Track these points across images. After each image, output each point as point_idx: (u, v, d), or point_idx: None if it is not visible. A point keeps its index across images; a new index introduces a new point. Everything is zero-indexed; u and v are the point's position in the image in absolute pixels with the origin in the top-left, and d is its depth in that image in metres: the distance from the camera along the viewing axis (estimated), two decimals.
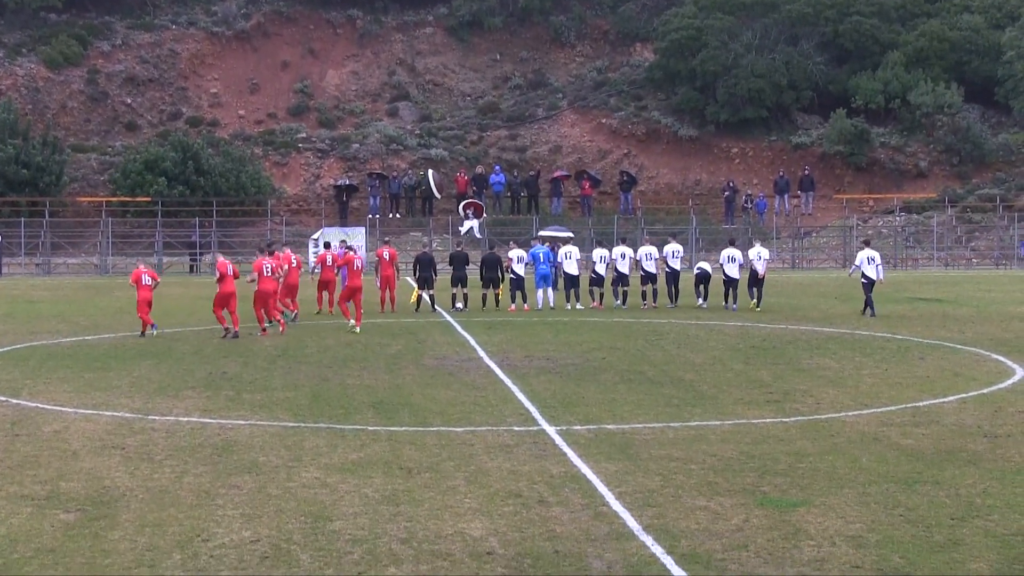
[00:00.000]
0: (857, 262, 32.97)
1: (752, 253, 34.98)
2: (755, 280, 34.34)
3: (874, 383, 19.65)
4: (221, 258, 28.25)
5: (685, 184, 69.56)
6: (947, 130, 68.23)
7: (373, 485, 12.51)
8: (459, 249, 36.61)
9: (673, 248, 35.94)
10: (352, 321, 28.44)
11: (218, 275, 27.46)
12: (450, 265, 35.17)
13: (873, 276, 32.27)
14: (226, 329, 26.95)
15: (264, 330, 27.51)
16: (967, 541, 10.47)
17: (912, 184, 68.42)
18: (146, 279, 27.59)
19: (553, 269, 35.13)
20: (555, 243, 37.23)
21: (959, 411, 16.97)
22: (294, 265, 31.48)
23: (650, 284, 35.37)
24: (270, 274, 28.05)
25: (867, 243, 34.84)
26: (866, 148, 68.38)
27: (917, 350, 24.14)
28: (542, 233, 47.01)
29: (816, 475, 12.94)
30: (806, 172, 65.48)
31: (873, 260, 32.50)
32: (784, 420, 16.25)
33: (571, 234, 44.62)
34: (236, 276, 27.70)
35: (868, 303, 32.03)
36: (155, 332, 27.22)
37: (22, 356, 23.67)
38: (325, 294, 33.12)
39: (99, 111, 72.24)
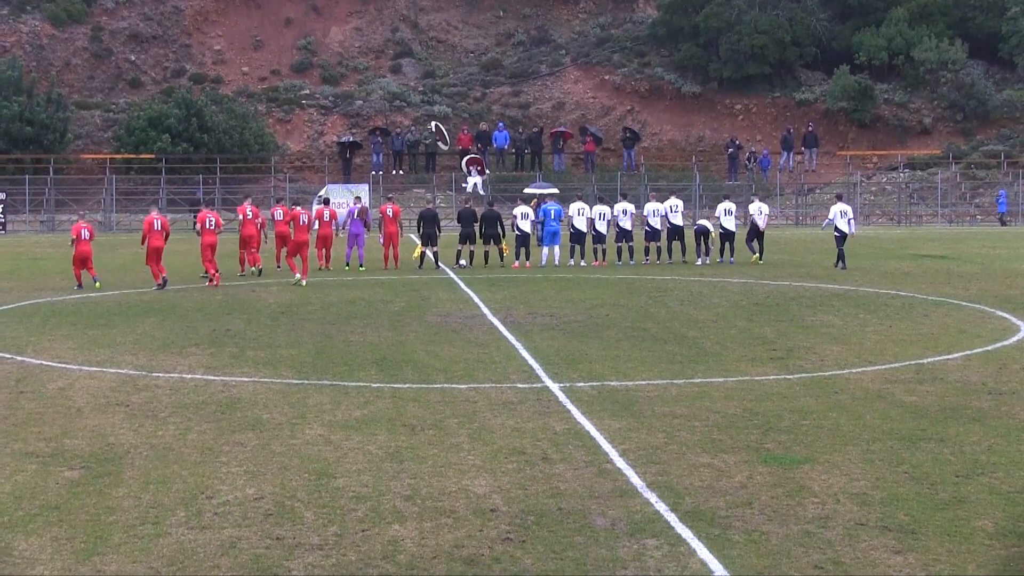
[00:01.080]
0: (830, 216, 33.47)
1: (752, 208, 35.45)
2: (755, 234, 34.76)
3: (878, 340, 19.61)
4: (152, 214, 29.16)
5: (688, 141, 69.42)
6: (951, 86, 67.97)
7: (377, 442, 12.51)
8: (467, 206, 36.50)
9: (672, 203, 35.84)
10: (298, 275, 29.07)
11: (143, 232, 28.87)
12: (458, 222, 35.12)
13: (845, 230, 32.94)
14: (164, 279, 28.23)
15: (211, 280, 29.11)
16: (972, 498, 10.46)
17: (916, 140, 68.24)
18: (84, 233, 28.79)
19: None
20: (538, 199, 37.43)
21: (964, 368, 16.94)
22: (249, 217, 31.89)
23: (653, 242, 35.41)
24: (212, 227, 29.68)
25: (839, 197, 35.23)
26: (870, 104, 68.17)
27: (921, 307, 24.10)
28: (527, 191, 46.98)
29: (820, 432, 12.93)
30: (810, 128, 65.34)
31: (845, 214, 33.20)
32: (788, 377, 16.23)
33: (555, 189, 44.75)
34: (167, 232, 28.95)
35: (840, 256, 32.59)
36: (96, 284, 28.54)
37: (26, 313, 23.68)
38: (325, 250, 33.56)
39: (103, 68, 72.03)
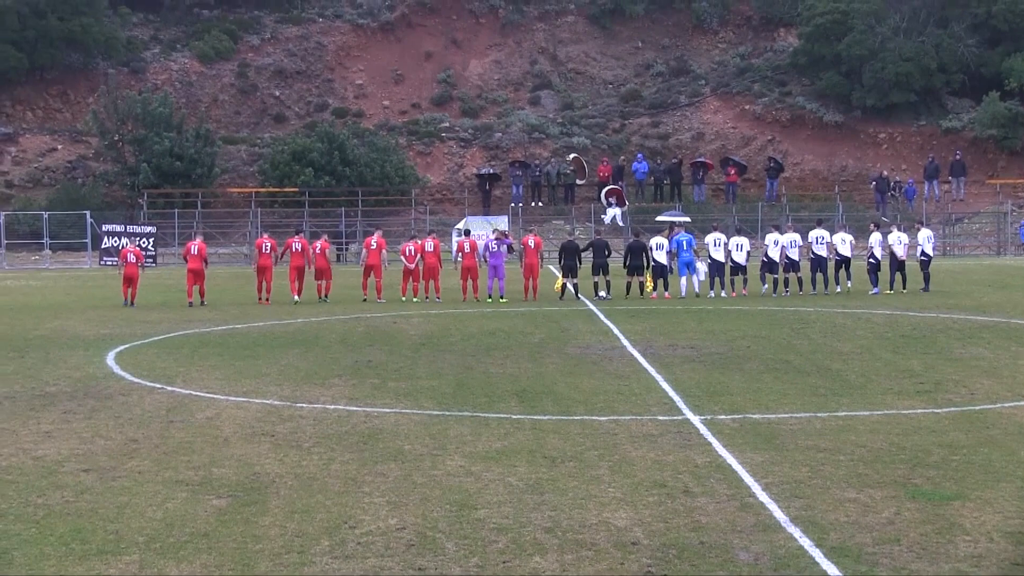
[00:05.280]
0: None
1: (892, 238, 35.16)
2: (896, 264, 34.63)
3: None
4: (129, 246, 34.97)
5: (831, 170, 68.51)
6: None
7: (517, 474, 12.52)
8: (599, 237, 36.49)
9: (818, 234, 35.39)
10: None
11: (122, 262, 34.13)
12: (590, 253, 35.16)
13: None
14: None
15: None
16: None
17: None
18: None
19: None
20: (673, 227, 37.11)
21: None
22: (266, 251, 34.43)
23: (793, 272, 34.98)
24: (197, 253, 33.12)
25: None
26: (1021, 131, 66.45)
27: None
28: (659, 218, 46.81)
29: (971, 468, 12.60)
30: (957, 157, 63.89)
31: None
32: (936, 411, 15.87)
33: (687, 218, 44.56)
34: (142, 261, 35.02)
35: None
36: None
37: (176, 344, 24.23)
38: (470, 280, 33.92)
39: (249, 103, 73.77)
